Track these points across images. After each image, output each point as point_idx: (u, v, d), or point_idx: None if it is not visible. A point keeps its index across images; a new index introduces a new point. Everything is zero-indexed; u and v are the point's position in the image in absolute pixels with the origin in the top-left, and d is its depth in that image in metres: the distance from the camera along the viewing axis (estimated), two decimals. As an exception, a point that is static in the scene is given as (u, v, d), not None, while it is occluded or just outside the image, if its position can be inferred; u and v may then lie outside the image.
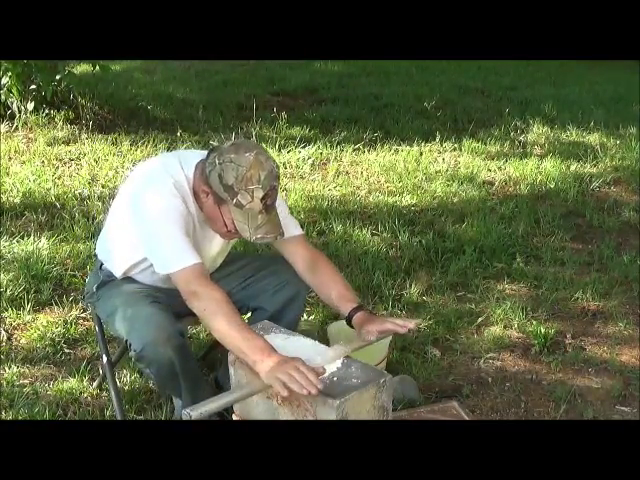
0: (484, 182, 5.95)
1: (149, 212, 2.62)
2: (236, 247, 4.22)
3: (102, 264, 2.96)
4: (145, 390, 3.21)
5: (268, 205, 2.56)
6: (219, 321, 2.46)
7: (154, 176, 2.70)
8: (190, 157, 2.74)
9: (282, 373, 2.29)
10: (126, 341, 2.71)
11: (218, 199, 2.58)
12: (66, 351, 3.50)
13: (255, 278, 3.02)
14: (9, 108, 6.52)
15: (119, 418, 2.92)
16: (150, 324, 2.61)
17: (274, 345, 2.47)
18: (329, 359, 2.52)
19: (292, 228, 2.89)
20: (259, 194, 2.52)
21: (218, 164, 2.54)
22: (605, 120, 7.78)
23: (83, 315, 3.76)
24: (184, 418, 2.23)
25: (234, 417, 2.68)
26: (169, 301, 2.68)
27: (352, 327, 2.75)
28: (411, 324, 2.70)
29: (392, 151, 6.56)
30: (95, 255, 3.06)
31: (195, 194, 2.68)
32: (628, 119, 7.93)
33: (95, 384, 3.25)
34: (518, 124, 7.60)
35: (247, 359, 2.41)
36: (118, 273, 2.88)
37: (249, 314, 3.11)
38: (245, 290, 3.01)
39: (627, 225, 5.30)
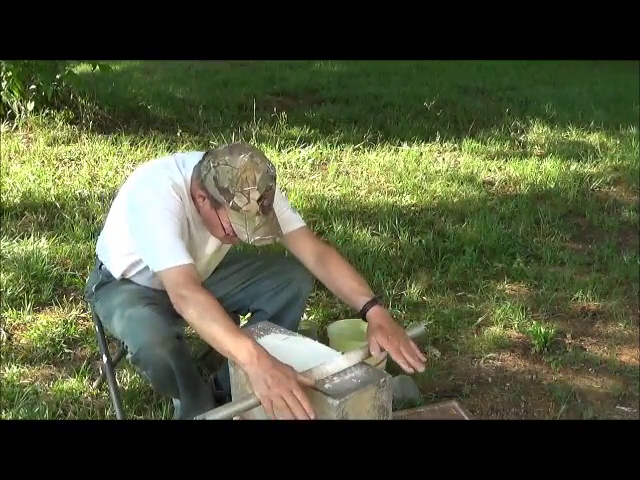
0: (484, 182, 5.95)
1: (145, 210, 2.61)
2: (236, 247, 4.22)
3: (102, 264, 2.96)
4: (145, 390, 3.21)
5: (265, 206, 2.54)
6: (206, 324, 2.42)
7: (153, 177, 2.70)
8: (188, 159, 2.72)
9: (275, 396, 2.26)
10: (123, 343, 2.71)
11: (214, 203, 2.57)
12: (66, 351, 3.49)
13: (255, 280, 3.01)
14: (9, 108, 6.52)
15: (119, 418, 2.92)
16: (145, 326, 2.60)
17: (274, 345, 2.47)
18: (340, 367, 2.50)
19: (295, 221, 2.86)
20: (255, 195, 2.50)
21: (213, 167, 2.53)
22: (605, 120, 7.80)
23: (83, 315, 3.76)
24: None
25: (234, 417, 2.68)
26: (166, 303, 2.68)
27: (366, 321, 2.69)
28: (420, 367, 2.54)
29: (392, 151, 6.56)
30: (95, 255, 3.06)
31: (192, 197, 2.67)
32: (628, 119, 7.94)
33: (95, 384, 3.25)
34: (518, 124, 7.62)
35: (238, 362, 2.40)
36: (117, 274, 2.88)
37: (249, 315, 3.11)
38: (245, 292, 3.01)
39: (627, 225, 5.30)
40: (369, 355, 2.58)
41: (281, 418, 2.26)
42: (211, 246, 2.86)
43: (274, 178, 2.57)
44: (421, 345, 3.65)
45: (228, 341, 2.38)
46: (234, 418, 2.58)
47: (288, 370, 2.32)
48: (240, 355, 2.35)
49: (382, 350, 2.56)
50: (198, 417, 2.26)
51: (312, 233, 2.99)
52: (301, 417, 2.22)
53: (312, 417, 2.24)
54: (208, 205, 2.61)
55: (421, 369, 2.54)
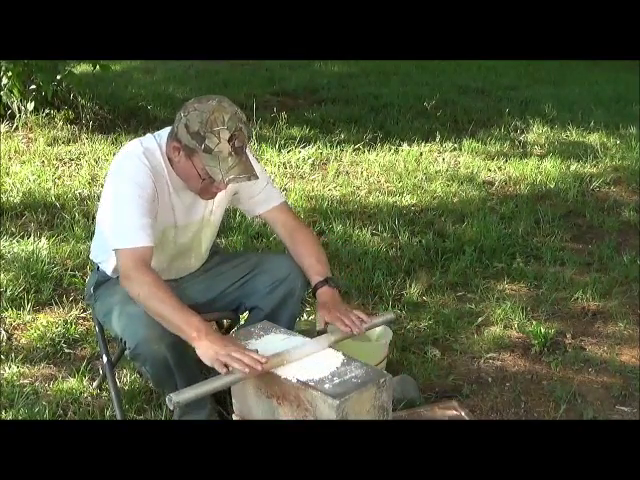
0: (484, 182, 5.95)
1: (113, 185, 2.68)
2: (236, 247, 4.23)
3: (98, 266, 2.96)
4: (145, 390, 3.21)
5: (237, 147, 2.57)
6: (153, 302, 2.51)
7: (126, 149, 2.76)
8: (164, 130, 2.80)
9: (223, 356, 2.35)
10: (121, 339, 2.72)
11: (188, 151, 2.61)
12: (66, 351, 3.49)
13: (250, 276, 3.01)
14: (9, 108, 6.52)
15: (119, 418, 2.92)
16: (143, 322, 2.61)
17: (274, 344, 2.48)
18: (314, 349, 2.56)
19: (276, 196, 2.99)
20: (225, 135, 2.54)
21: (183, 116, 2.60)
22: (605, 120, 7.80)
23: (83, 315, 3.76)
24: (167, 403, 2.27)
25: (234, 417, 2.68)
26: None
27: (316, 298, 2.82)
28: (356, 329, 2.68)
29: (392, 151, 6.56)
30: (90, 259, 3.07)
31: (169, 160, 2.71)
32: (628, 119, 7.95)
33: (95, 384, 3.25)
34: (518, 124, 7.61)
35: (186, 338, 2.47)
36: (109, 271, 2.89)
37: (246, 313, 3.11)
38: (240, 289, 3.01)
39: (627, 225, 5.30)
40: (339, 339, 2.68)
41: (236, 375, 2.35)
42: (197, 211, 2.87)
43: (243, 121, 2.60)
44: (421, 345, 3.66)
45: (176, 318, 2.48)
46: (234, 418, 2.59)
47: (234, 340, 2.46)
48: (188, 331, 2.44)
49: (326, 323, 2.71)
50: (167, 399, 2.28)
51: (290, 209, 3.09)
52: (254, 364, 2.33)
53: (264, 361, 2.36)
54: (183, 157, 2.64)
55: (357, 330, 2.68)
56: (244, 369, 2.32)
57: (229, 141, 2.54)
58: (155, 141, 2.75)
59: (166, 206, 2.74)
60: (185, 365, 2.74)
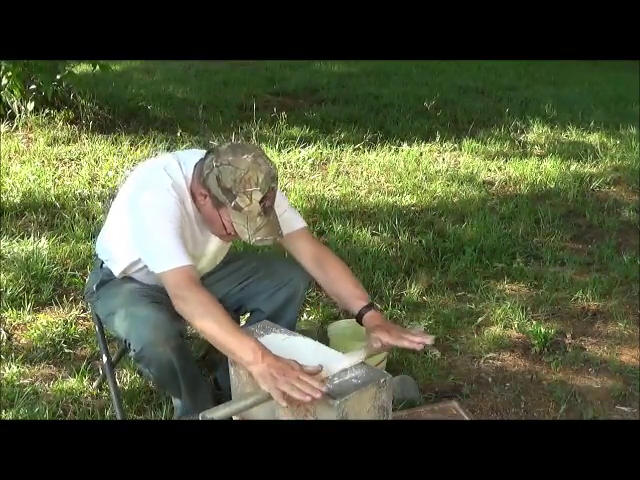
0: (484, 182, 5.96)
1: (145, 211, 2.61)
2: (236, 247, 4.22)
3: (102, 263, 2.95)
4: (145, 390, 3.21)
5: (267, 207, 2.55)
6: (208, 324, 2.44)
7: (153, 176, 2.70)
8: (189, 157, 2.73)
9: (283, 384, 2.27)
10: (125, 341, 2.71)
11: (216, 202, 2.57)
12: (66, 351, 3.50)
13: (253, 279, 3.01)
14: (9, 108, 6.52)
15: (119, 418, 2.92)
16: (149, 324, 2.61)
17: (274, 345, 2.48)
18: (342, 366, 2.50)
19: (295, 221, 2.89)
20: (258, 197, 2.51)
21: (215, 167, 2.53)
22: (605, 120, 7.80)
23: (83, 315, 3.76)
24: (201, 418, 2.24)
25: (234, 417, 2.68)
26: (168, 301, 2.67)
27: (362, 324, 2.75)
28: (428, 340, 2.63)
29: (392, 151, 6.56)
30: (95, 254, 3.06)
31: (193, 195, 2.67)
32: (628, 119, 7.95)
33: (95, 384, 3.25)
34: (518, 124, 7.61)
35: (240, 362, 2.42)
36: (117, 272, 2.88)
37: (247, 315, 3.11)
38: (243, 291, 3.01)
39: (627, 225, 5.31)
40: (371, 354, 2.61)
41: (295, 407, 2.32)
42: (213, 244, 2.86)
43: (276, 179, 2.58)
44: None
45: (231, 340, 2.40)
46: (234, 418, 2.59)
47: (292, 363, 2.34)
48: (244, 354, 2.37)
49: (383, 345, 2.61)
50: (201, 415, 2.26)
51: (310, 234, 3.01)
52: (314, 394, 2.24)
53: (324, 390, 2.27)
54: (210, 204, 2.61)
55: (429, 340, 2.62)
56: (304, 398, 2.24)
57: (260, 202, 2.52)
58: (181, 172, 2.67)
59: (186, 235, 2.70)
60: (189, 369, 2.74)
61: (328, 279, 2.85)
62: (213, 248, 2.88)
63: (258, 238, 2.55)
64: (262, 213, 2.54)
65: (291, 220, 2.85)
